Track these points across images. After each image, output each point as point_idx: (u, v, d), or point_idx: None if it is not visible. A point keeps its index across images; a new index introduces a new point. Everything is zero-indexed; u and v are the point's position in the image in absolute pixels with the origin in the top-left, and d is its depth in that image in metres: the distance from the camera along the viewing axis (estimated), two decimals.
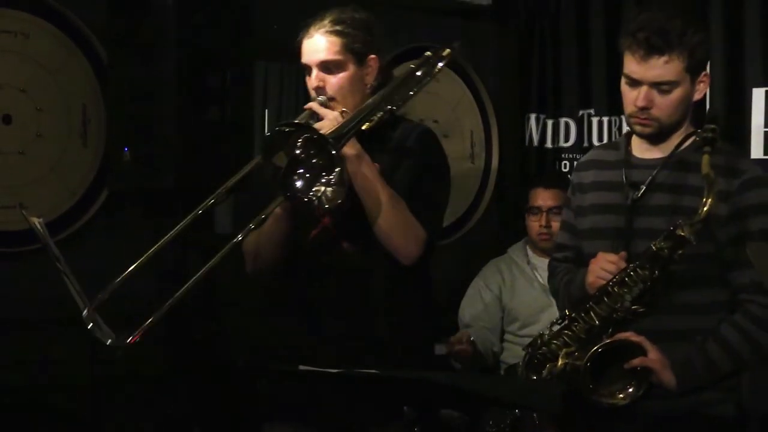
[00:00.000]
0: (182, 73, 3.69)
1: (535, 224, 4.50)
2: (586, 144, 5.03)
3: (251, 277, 2.94)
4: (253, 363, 3.73)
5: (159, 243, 2.63)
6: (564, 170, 5.08)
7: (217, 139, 3.77)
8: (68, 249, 3.55)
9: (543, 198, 4.49)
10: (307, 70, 2.85)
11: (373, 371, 2.32)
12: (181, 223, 2.66)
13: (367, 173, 2.65)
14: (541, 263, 4.52)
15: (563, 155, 5.11)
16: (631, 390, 2.65)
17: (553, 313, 4.39)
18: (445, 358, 4.28)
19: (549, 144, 5.16)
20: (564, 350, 2.74)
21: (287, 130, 2.52)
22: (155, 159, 3.73)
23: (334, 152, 2.46)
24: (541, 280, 4.46)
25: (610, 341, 2.66)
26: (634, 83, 2.70)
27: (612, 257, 2.69)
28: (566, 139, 5.11)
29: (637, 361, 2.63)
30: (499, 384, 2.87)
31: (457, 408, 3.73)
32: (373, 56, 2.85)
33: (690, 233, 2.53)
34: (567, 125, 5.11)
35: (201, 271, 2.53)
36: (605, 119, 4.96)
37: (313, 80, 2.82)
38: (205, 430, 3.91)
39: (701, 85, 2.73)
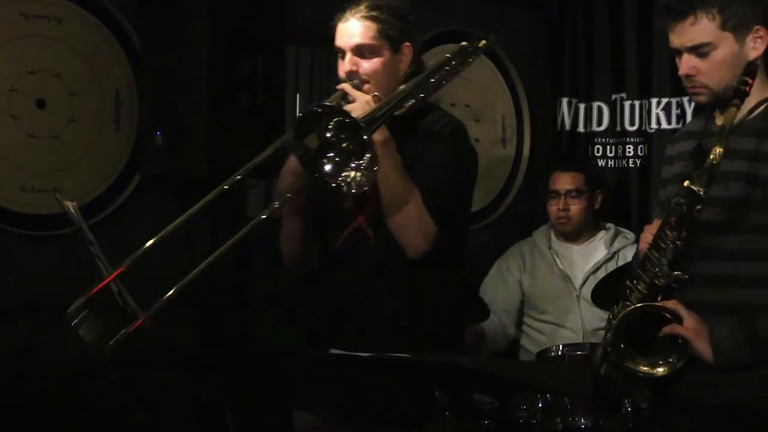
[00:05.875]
0: (214, 58, 3.69)
1: (553, 208, 4.48)
2: (618, 128, 5.01)
3: (288, 278, 2.98)
4: (284, 347, 3.74)
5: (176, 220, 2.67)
6: (597, 154, 5.06)
7: (248, 124, 3.77)
8: (101, 233, 3.58)
9: (561, 181, 4.47)
10: (340, 53, 2.83)
11: (405, 355, 2.32)
12: (208, 196, 2.68)
13: (389, 162, 2.63)
14: (564, 249, 4.52)
15: (596, 139, 5.08)
16: (670, 362, 2.52)
17: (572, 300, 4.40)
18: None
19: (581, 128, 5.13)
20: None
21: (320, 111, 2.51)
22: (187, 144, 3.74)
23: (366, 137, 2.44)
24: (561, 266, 4.46)
25: (643, 305, 2.54)
26: (677, 53, 2.62)
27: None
28: (599, 123, 5.08)
29: (668, 329, 2.50)
30: (531, 369, 2.86)
31: (489, 392, 3.73)
32: (407, 44, 2.84)
33: (699, 186, 2.43)
34: (600, 109, 5.08)
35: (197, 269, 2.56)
36: (637, 103, 4.93)
37: (346, 64, 2.80)
38: (236, 414, 3.93)
39: (757, 42, 2.57)
